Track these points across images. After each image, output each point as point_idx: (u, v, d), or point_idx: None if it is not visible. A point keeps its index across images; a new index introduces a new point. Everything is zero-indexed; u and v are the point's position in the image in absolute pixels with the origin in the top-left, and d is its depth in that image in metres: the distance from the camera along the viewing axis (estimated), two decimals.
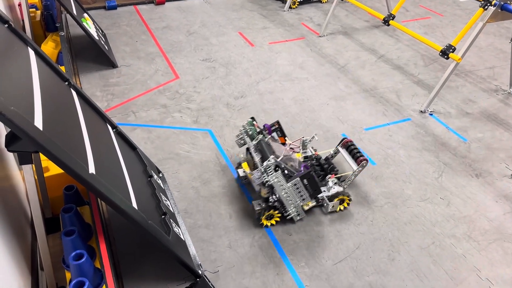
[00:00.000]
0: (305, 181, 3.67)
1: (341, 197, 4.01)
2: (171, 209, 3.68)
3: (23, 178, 3.66)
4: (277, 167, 3.62)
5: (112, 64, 6.26)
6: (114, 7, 8.27)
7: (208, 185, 4.30)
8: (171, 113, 5.36)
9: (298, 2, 8.62)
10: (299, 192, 3.71)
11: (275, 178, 3.60)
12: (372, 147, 4.91)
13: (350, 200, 4.05)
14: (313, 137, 4.30)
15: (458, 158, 4.79)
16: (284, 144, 4.31)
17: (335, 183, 4.05)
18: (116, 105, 5.45)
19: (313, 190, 3.73)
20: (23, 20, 5.92)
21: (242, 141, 4.31)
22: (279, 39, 7.34)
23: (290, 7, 8.50)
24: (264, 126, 4.36)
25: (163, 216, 3.26)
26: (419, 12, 8.61)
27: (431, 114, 5.51)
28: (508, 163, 4.74)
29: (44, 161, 3.49)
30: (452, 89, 6.05)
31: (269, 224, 3.86)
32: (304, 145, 4.34)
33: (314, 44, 7.19)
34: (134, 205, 2.87)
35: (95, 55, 6.40)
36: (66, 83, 3.32)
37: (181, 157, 4.64)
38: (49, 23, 6.24)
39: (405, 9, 8.62)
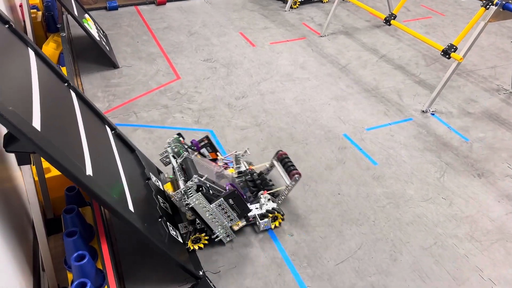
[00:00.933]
0: (230, 201, 3.40)
1: (273, 214, 3.75)
2: (169, 211, 3.67)
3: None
4: (200, 187, 3.32)
5: (113, 65, 6.27)
6: (115, 8, 8.28)
7: None
8: (172, 113, 5.36)
9: (299, 2, 8.61)
10: (225, 212, 3.45)
11: (195, 200, 3.29)
12: (374, 147, 4.89)
13: (283, 218, 3.82)
14: (245, 151, 4.07)
15: (460, 158, 4.77)
16: (215, 160, 4.07)
17: (268, 199, 3.84)
18: (117, 105, 5.45)
19: (241, 209, 3.49)
20: (24, 21, 5.93)
21: (167, 159, 3.89)
22: (280, 39, 7.33)
23: (291, 7, 8.49)
24: (191, 142, 4.02)
25: (159, 219, 3.25)
26: (421, 12, 8.59)
27: (433, 114, 5.49)
28: (510, 162, 4.72)
29: (45, 162, 3.48)
30: (454, 89, 6.04)
31: (196, 247, 3.56)
32: (237, 160, 4.09)
33: (315, 44, 7.18)
34: (131, 207, 2.86)
35: (96, 55, 6.40)
36: (66, 84, 3.32)
37: None
38: (50, 24, 6.25)
39: (406, 9, 8.60)
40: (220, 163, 4.04)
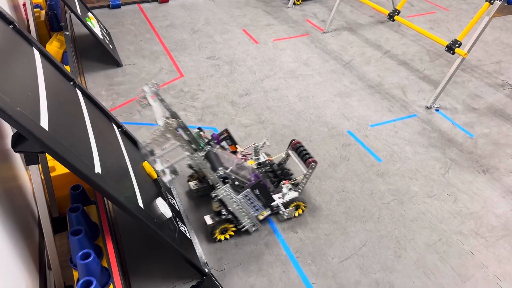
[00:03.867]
0: (256, 191, 3.55)
1: (296, 203, 3.86)
2: (177, 207, 3.69)
3: (30, 178, 3.68)
4: (226, 179, 3.40)
5: (116, 63, 6.28)
6: (118, 6, 8.28)
7: None
8: (176, 111, 5.35)
9: None
10: (252, 203, 3.58)
11: (223, 192, 3.40)
12: (378, 143, 4.89)
13: (305, 206, 3.95)
14: (264, 143, 4.09)
15: (464, 154, 4.76)
16: (235, 152, 4.10)
17: (290, 189, 3.90)
18: (121, 104, 5.47)
19: (266, 199, 3.62)
20: (27, 20, 5.94)
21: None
22: (284, 36, 7.31)
23: (294, 4, 8.46)
24: (212, 135, 4.10)
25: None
26: (425, 7, 8.55)
27: (437, 110, 5.47)
28: None
29: (51, 160, 3.51)
30: (458, 85, 6.01)
31: (222, 238, 3.68)
32: (256, 152, 4.12)
33: (319, 41, 7.17)
34: (140, 204, 2.88)
35: (99, 54, 6.42)
36: (71, 83, 3.33)
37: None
38: (53, 23, 6.26)
39: (410, 4, 8.55)
40: (239, 155, 4.07)
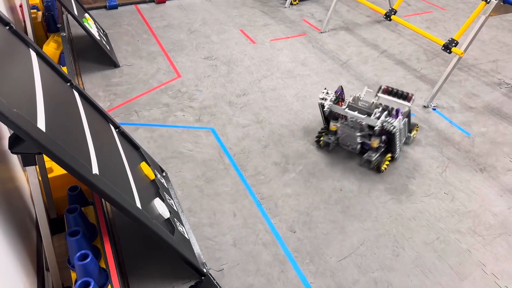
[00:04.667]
0: (406, 119, 4.56)
1: (415, 127, 4.87)
2: (175, 208, 3.69)
3: (27, 179, 3.68)
4: (388, 113, 4.32)
5: (114, 64, 6.27)
6: (115, 7, 8.27)
7: (212, 184, 4.30)
8: (174, 112, 5.37)
9: None
10: (404, 131, 4.59)
11: (397, 124, 4.19)
12: None
13: (418, 127, 4.96)
14: (365, 91, 4.73)
15: (462, 153, 4.77)
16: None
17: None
18: (118, 104, 5.46)
19: (408, 128, 4.74)
20: (24, 21, 5.94)
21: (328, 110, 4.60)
22: (281, 36, 7.32)
23: (291, 4, 8.47)
24: (336, 91, 4.66)
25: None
26: (421, 6, 8.57)
27: (434, 109, 5.48)
28: None
29: (48, 162, 3.50)
30: (455, 84, 6.03)
31: (385, 167, 4.48)
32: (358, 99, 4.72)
33: (316, 40, 7.17)
34: (138, 204, 2.88)
35: (97, 55, 6.41)
36: (68, 84, 3.33)
37: (184, 156, 4.64)
38: (50, 24, 6.25)
39: (407, 3, 8.57)
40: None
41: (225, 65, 6.43)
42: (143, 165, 3.61)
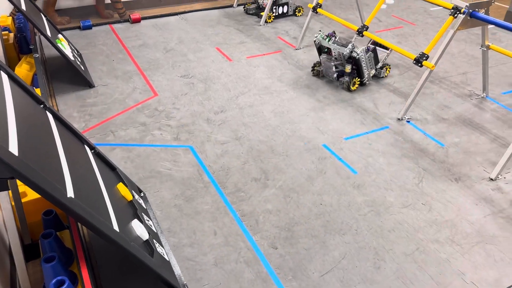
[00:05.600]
0: (372, 54, 6.18)
1: (387, 67, 6.53)
2: (153, 229, 3.63)
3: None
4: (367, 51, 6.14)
5: (89, 84, 6.20)
6: (89, 27, 8.21)
7: (191, 202, 4.26)
8: (151, 130, 5.32)
9: (273, 16, 8.73)
10: (370, 62, 6.20)
11: (360, 52, 5.96)
12: (353, 156, 4.96)
13: (390, 67, 6.61)
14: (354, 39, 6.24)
15: (437, 163, 4.87)
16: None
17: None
18: (94, 125, 5.38)
19: (375, 61, 6.31)
20: None
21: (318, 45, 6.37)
22: (257, 53, 7.40)
23: (266, 21, 8.59)
24: (328, 33, 6.23)
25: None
26: (392, 22, 8.82)
27: (408, 121, 5.61)
28: (486, 166, 4.84)
29: (21, 186, 3.41)
30: (428, 96, 6.19)
31: (355, 87, 6.18)
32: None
33: (291, 57, 7.28)
34: (116, 227, 2.82)
35: (71, 75, 6.33)
36: (42, 106, 3.27)
37: (163, 175, 4.59)
38: (22, 45, 6.16)
39: (378, 20, 8.81)
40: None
41: (202, 83, 6.44)
42: (120, 186, 3.55)
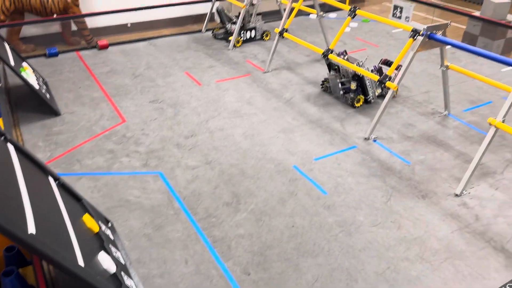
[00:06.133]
0: (377, 73, 6.26)
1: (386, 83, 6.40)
2: (122, 260, 3.53)
3: None
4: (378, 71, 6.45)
5: (54, 113, 6.08)
6: (55, 54, 8.10)
7: (161, 231, 4.18)
8: (119, 158, 5.24)
9: (242, 40, 8.86)
10: (374, 81, 6.26)
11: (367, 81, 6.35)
12: (323, 176, 5.01)
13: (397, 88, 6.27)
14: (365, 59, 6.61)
15: (403, 181, 4.98)
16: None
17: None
18: (59, 154, 5.26)
19: (380, 81, 5.94)
20: None
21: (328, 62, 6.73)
22: (226, 77, 7.46)
23: (234, 46, 8.71)
24: (339, 52, 6.58)
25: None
26: (356, 44, 9.09)
27: (374, 141, 5.73)
28: (451, 182, 4.98)
29: None
30: (392, 115, 6.36)
31: (359, 104, 6.48)
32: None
33: (260, 80, 7.37)
34: (81, 261, 2.73)
35: (36, 104, 6.19)
36: (2, 138, 3.18)
37: (131, 204, 4.50)
38: None
39: (343, 42, 9.07)
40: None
41: (171, 108, 6.42)
42: (86, 217, 3.46)
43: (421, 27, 5.42)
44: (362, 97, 6.45)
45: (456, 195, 4.77)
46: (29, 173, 3.12)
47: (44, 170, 3.50)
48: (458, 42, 5.40)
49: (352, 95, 6.45)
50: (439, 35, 5.37)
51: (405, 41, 5.82)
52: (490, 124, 4.59)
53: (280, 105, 6.57)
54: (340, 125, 6.07)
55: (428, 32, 5.32)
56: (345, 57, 6.47)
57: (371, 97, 6.52)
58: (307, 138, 5.75)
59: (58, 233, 2.80)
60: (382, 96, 6.57)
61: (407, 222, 4.39)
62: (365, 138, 5.76)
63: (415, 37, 5.46)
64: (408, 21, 8.57)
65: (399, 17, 8.78)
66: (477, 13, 9.10)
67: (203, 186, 4.81)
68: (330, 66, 6.79)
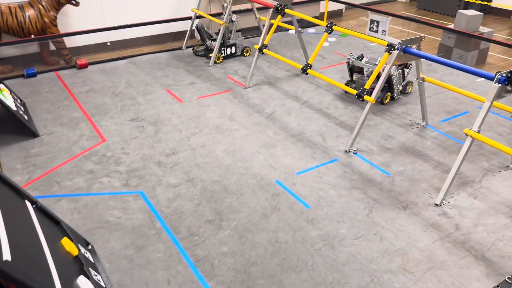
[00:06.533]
0: (401, 71, 7.03)
1: (411, 83, 7.45)
2: (102, 284, 3.47)
3: None
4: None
5: (33, 134, 5.99)
6: (33, 75, 8.02)
7: (143, 251, 4.12)
8: (99, 178, 5.17)
9: (222, 57, 8.92)
10: (399, 78, 7.06)
11: (393, 69, 6.64)
12: (305, 190, 5.03)
13: (412, 84, 7.45)
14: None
15: (384, 193, 5.03)
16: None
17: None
18: (38, 176, 5.17)
19: (403, 77, 7.10)
20: None
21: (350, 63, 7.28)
22: (207, 93, 7.48)
23: (215, 62, 8.76)
24: (358, 56, 7.18)
25: None
26: (335, 59, 9.24)
27: (355, 153, 5.79)
28: (431, 192, 5.05)
29: None
30: (372, 127, 6.45)
31: (387, 101, 7.06)
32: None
33: (241, 96, 7.41)
34: (58, 287, 2.67)
35: (13, 126, 6.09)
36: None
37: (112, 225, 4.44)
38: None
39: (322, 57, 9.21)
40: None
41: (152, 125, 6.39)
42: (65, 240, 3.40)
43: (396, 41, 5.55)
44: (389, 94, 7.00)
45: (436, 205, 4.83)
46: (5, 198, 3.06)
47: (20, 194, 3.44)
48: (432, 55, 5.53)
49: (380, 93, 6.81)
50: (414, 48, 5.50)
51: (381, 55, 5.95)
52: (466, 135, 4.69)
53: (261, 120, 6.61)
54: (321, 139, 6.12)
55: (403, 46, 5.44)
56: (367, 59, 6.99)
57: (396, 94, 7.10)
58: (288, 152, 5.78)
59: (35, 259, 2.74)
60: (402, 92, 7.38)
61: (389, 234, 4.42)
62: (346, 151, 5.82)
63: (390, 51, 5.58)
64: (384, 35, 8.75)
65: (376, 31, 8.95)
66: (451, 26, 9.36)
67: (185, 204, 4.78)
68: (352, 69, 7.30)
